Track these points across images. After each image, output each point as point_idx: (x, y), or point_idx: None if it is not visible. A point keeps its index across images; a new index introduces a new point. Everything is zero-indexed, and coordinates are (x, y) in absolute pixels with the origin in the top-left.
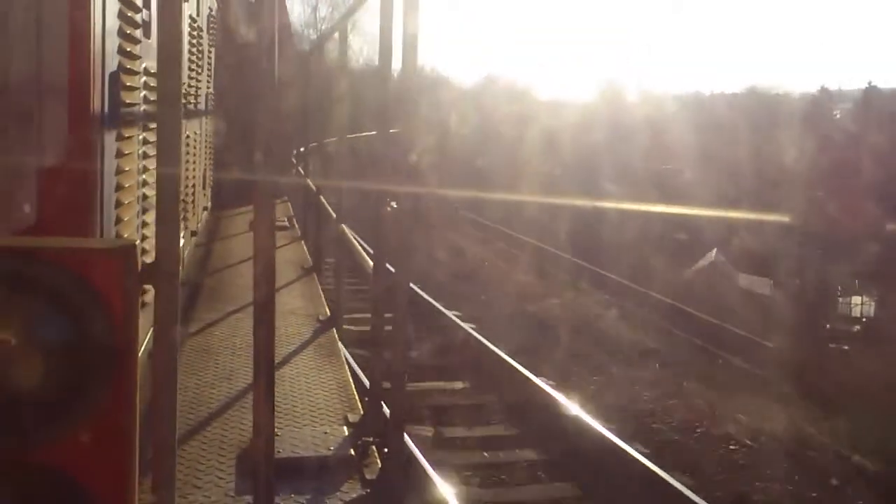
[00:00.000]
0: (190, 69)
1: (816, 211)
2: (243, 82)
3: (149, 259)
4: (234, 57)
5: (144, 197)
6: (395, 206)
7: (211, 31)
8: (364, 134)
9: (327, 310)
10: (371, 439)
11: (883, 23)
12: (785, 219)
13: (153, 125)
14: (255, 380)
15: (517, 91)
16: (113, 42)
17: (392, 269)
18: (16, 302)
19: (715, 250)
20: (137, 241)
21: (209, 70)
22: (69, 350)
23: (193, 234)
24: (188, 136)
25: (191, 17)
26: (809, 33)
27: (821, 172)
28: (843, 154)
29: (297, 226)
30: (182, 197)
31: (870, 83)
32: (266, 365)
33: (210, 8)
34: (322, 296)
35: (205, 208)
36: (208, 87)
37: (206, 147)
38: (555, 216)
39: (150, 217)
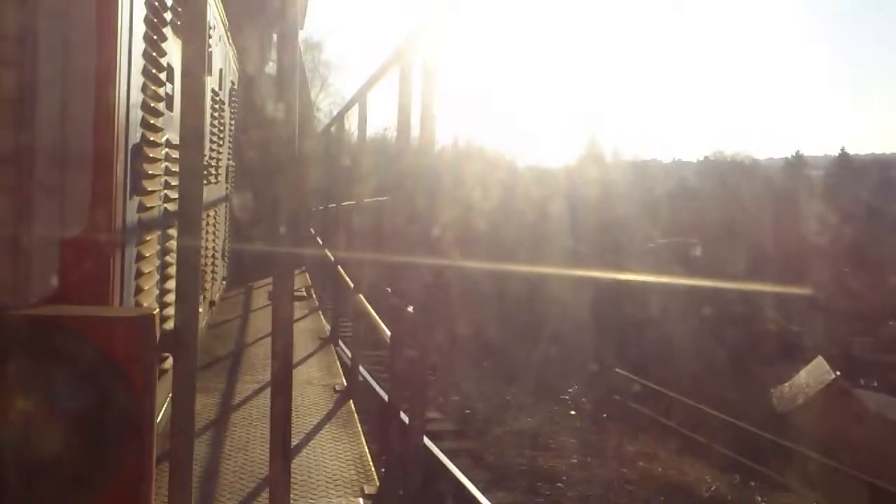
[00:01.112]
0: (211, 142)
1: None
2: (264, 155)
3: (168, 328)
4: (256, 130)
5: (165, 266)
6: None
7: (233, 105)
8: (376, 199)
9: (344, 380)
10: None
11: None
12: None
13: (174, 196)
14: (272, 450)
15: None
16: (136, 115)
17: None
18: (36, 370)
19: (819, 358)
20: (156, 311)
21: (230, 142)
22: (88, 418)
23: (212, 304)
24: (207, 208)
25: (213, 90)
26: (772, 104)
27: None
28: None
29: (314, 296)
30: (202, 268)
31: (842, 150)
32: (283, 435)
33: (232, 81)
34: (339, 366)
35: (223, 279)
36: (229, 160)
37: (225, 218)
38: (576, 289)
39: (170, 286)
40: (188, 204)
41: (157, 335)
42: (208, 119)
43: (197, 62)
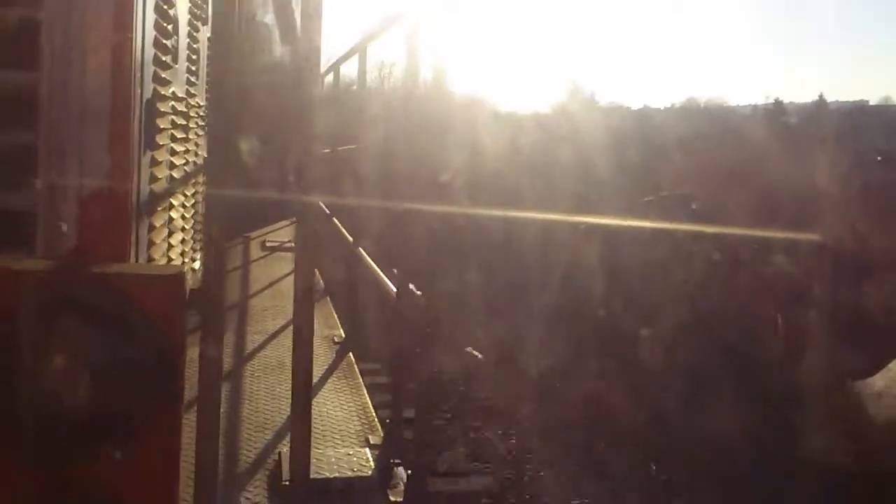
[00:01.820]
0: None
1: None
2: (270, 99)
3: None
4: (264, 77)
5: (170, 220)
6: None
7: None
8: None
9: (342, 331)
10: (395, 461)
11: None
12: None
13: (179, 149)
14: (294, 399)
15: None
16: (149, 69)
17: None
18: (70, 323)
19: None
20: (187, 269)
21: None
22: (120, 371)
23: None
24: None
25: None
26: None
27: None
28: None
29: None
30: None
31: (820, 96)
32: (304, 385)
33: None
34: (336, 317)
35: None
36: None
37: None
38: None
39: (176, 239)
40: (214, 160)
41: (187, 292)
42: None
43: (227, 14)
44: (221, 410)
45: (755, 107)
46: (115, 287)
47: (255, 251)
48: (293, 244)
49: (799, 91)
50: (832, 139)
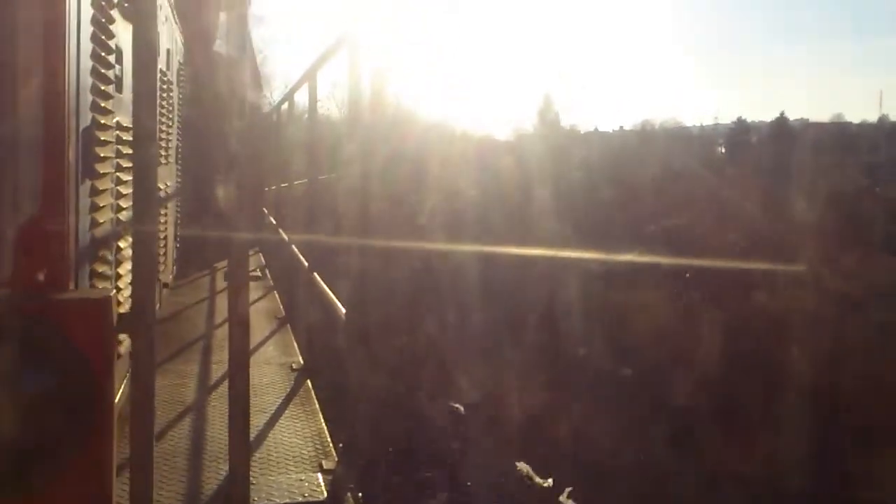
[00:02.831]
0: (160, 122)
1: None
2: (214, 135)
3: (124, 310)
4: (205, 110)
5: (118, 249)
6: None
7: (181, 85)
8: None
9: (301, 359)
10: (349, 485)
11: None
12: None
13: (126, 178)
14: (231, 427)
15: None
16: (86, 98)
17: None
18: None
19: None
20: (113, 293)
21: (179, 123)
22: (49, 400)
23: (165, 286)
24: (160, 189)
25: (161, 70)
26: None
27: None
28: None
29: (269, 275)
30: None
31: (782, 114)
32: (241, 413)
33: (179, 61)
34: (296, 345)
35: (174, 261)
36: (178, 141)
37: (175, 200)
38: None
39: (124, 269)
40: (142, 187)
41: (114, 316)
42: (157, 101)
43: (148, 49)
44: (170, 440)
45: (716, 126)
46: (40, 314)
47: (221, 282)
48: (256, 273)
49: (752, 110)
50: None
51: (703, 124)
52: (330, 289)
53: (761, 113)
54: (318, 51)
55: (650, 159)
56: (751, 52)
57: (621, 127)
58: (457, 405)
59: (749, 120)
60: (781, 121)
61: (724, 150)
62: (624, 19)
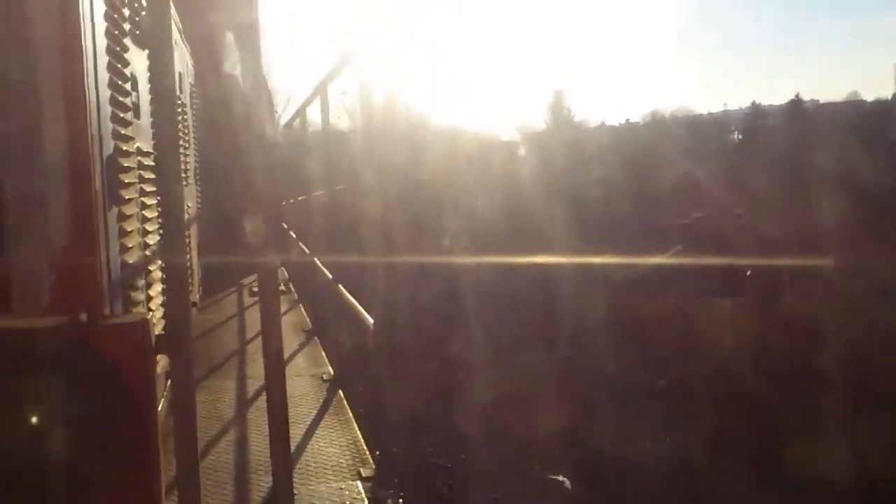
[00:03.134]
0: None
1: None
2: (229, 154)
3: (159, 331)
4: (219, 130)
5: (148, 272)
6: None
7: (193, 106)
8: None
9: (331, 369)
10: (388, 492)
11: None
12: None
13: (150, 202)
14: (272, 439)
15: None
16: (107, 127)
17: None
18: (35, 380)
19: None
20: (150, 315)
21: (195, 145)
22: (94, 424)
23: (194, 304)
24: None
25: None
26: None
27: None
28: None
29: (293, 289)
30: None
31: (797, 95)
32: (281, 424)
33: (190, 83)
34: (325, 356)
35: (199, 280)
36: (195, 162)
37: (197, 220)
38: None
39: (154, 290)
40: (170, 211)
41: (153, 337)
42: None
43: (166, 76)
44: (213, 454)
45: (726, 112)
46: (79, 339)
47: (248, 297)
48: (282, 287)
49: (762, 94)
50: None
51: (713, 111)
52: (356, 299)
53: (772, 97)
54: (323, 55)
55: (668, 150)
56: (755, 35)
57: (628, 120)
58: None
59: (763, 104)
60: (796, 102)
61: (738, 136)
62: (621, 9)
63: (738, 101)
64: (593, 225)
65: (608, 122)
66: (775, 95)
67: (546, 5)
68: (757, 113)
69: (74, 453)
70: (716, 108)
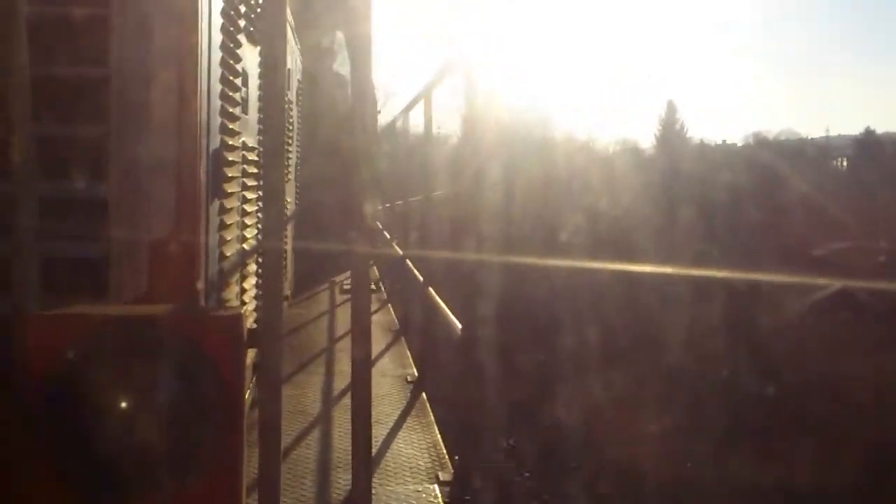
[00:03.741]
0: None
1: None
2: (332, 152)
3: (252, 325)
4: (324, 128)
5: (244, 265)
6: None
7: (300, 103)
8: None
9: (416, 370)
10: (466, 497)
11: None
12: None
13: (251, 196)
14: (354, 438)
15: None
16: (216, 121)
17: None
18: (136, 366)
19: None
20: (244, 310)
21: (298, 141)
22: (185, 411)
23: (286, 298)
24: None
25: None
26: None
27: None
28: None
29: (383, 288)
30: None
31: None
32: (363, 423)
33: (298, 80)
34: (410, 357)
35: (293, 274)
36: (298, 158)
37: (296, 215)
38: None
39: (248, 283)
40: (270, 206)
41: (245, 332)
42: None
43: (274, 74)
44: (294, 448)
45: (827, 138)
46: (178, 330)
47: (339, 295)
48: (372, 286)
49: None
50: None
51: (813, 136)
52: (446, 303)
53: (872, 124)
54: (427, 55)
55: (786, 175)
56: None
57: (724, 141)
58: None
59: (878, 131)
60: None
61: (843, 163)
62: (703, 26)
63: (838, 127)
64: (718, 243)
65: (705, 141)
66: (878, 122)
67: (647, 19)
68: (871, 139)
69: (165, 440)
70: (816, 132)
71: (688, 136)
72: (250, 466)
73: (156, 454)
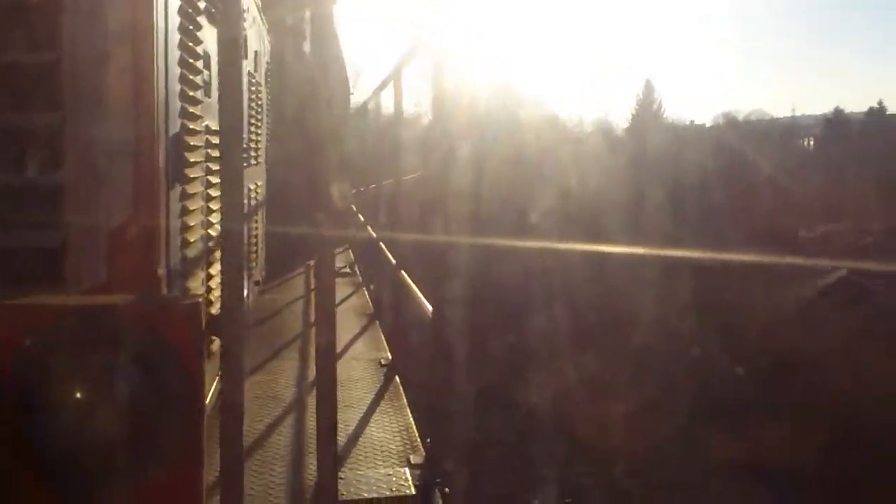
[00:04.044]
0: (250, 125)
1: None
2: (303, 135)
3: (215, 311)
4: (293, 109)
5: (209, 251)
6: None
7: (268, 85)
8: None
9: (389, 354)
10: (435, 480)
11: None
12: None
13: (215, 181)
14: (319, 422)
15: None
16: (175, 104)
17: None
18: (94, 357)
19: None
20: (203, 295)
21: (268, 123)
22: (144, 400)
23: (257, 283)
24: (250, 189)
25: (249, 73)
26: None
27: None
28: None
29: (358, 272)
30: (246, 250)
31: (880, 104)
32: (329, 407)
33: (267, 61)
34: (384, 341)
35: (264, 259)
36: (268, 141)
37: (265, 199)
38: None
39: (214, 270)
40: (230, 191)
41: (204, 319)
42: (246, 103)
43: (233, 54)
44: (265, 434)
45: (793, 118)
46: (137, 319)
47: (314, 279)
48: (347, 270)
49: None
50: None
51: (777, 116)
52: (418, 286)
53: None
54: (397, 33)
55: (759, 155)
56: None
57: (692, 121)
58: None
59: (847, 111)
60: (879, 111)
61: (811, 143)
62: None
63: (803, 107)
64: (695, 224)
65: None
66: (848, 102)
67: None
68: (840, 119)
69: (122, 429)
70: (781, 112)
71: (665, 116)
72: (215, 453)
73: (116, 445)
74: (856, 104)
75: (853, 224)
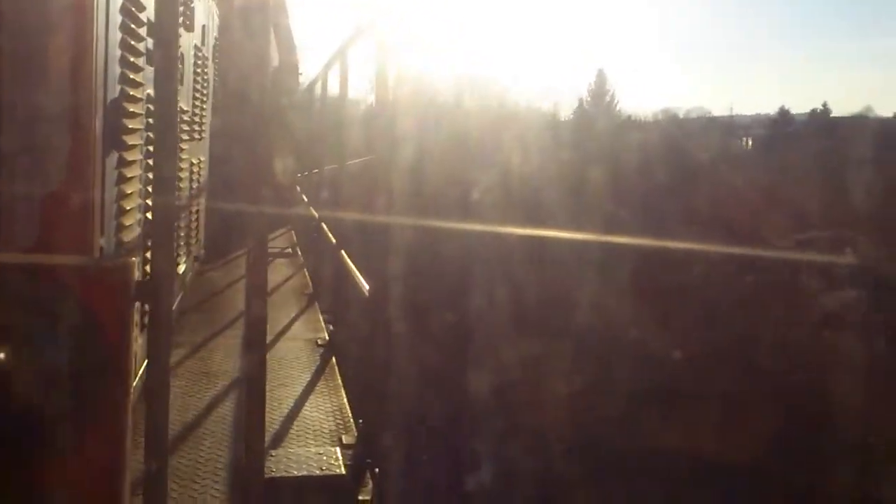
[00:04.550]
0: (195, 98)
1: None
2: (251, 114)
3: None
4: (240, 85)
5: (147, 220)
6: None
7: (216, 60)
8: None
9: (326, 334)
10: (366, 460)
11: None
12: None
13: None
14: (248, 399)
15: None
16: (114, 70)
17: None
18: (11, 317)
19: None
20: (133, 260)
21: (214, 100)
22: (66, 365)
23: (196, 258)
24: (193, 164)
25: (196, 46)
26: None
27: None
28: None
29: (300, 253)
30: (181, 221)
31: (824, 105)
32: (258, 384)
33: (216, 37)
34: (322, 321)
35: (204, 236)
36: (213, 116)
37: (208, 175)
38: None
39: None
40: (162, 157)
41: (133, 284)
42: (191, 77)
43: (170, 15)
44: (198, 410)
45: (732, 117)
46: (58, 279)
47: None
48: (289, 251)
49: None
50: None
51: (716, 115)
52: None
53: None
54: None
55: (706, 151)
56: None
57: (630, 116)
58: None
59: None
60: (823, 113)
61: (749, 142)
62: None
63: (740, 107)
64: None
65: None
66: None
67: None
68: (785, 119)
69: (44, 395)
70: (719, 111)
71: (618, 108)
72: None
73: (36, 411)
74: (798, 107)
75: (843, 231)
